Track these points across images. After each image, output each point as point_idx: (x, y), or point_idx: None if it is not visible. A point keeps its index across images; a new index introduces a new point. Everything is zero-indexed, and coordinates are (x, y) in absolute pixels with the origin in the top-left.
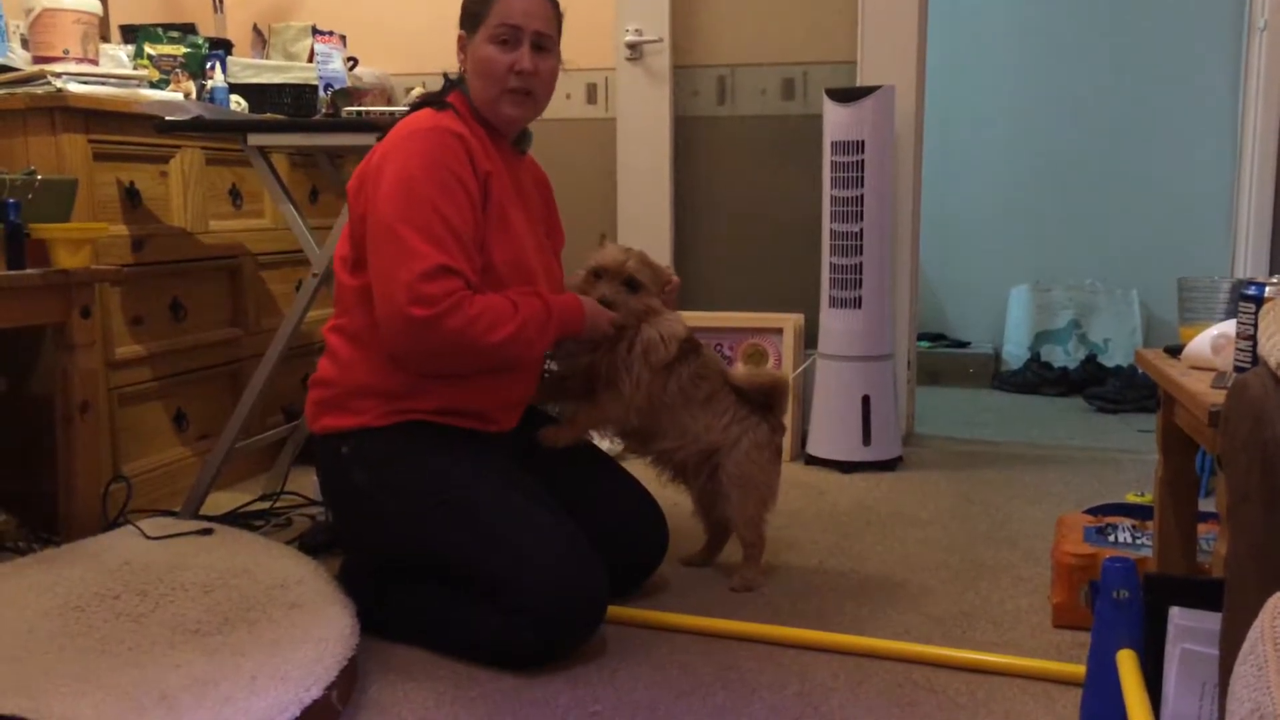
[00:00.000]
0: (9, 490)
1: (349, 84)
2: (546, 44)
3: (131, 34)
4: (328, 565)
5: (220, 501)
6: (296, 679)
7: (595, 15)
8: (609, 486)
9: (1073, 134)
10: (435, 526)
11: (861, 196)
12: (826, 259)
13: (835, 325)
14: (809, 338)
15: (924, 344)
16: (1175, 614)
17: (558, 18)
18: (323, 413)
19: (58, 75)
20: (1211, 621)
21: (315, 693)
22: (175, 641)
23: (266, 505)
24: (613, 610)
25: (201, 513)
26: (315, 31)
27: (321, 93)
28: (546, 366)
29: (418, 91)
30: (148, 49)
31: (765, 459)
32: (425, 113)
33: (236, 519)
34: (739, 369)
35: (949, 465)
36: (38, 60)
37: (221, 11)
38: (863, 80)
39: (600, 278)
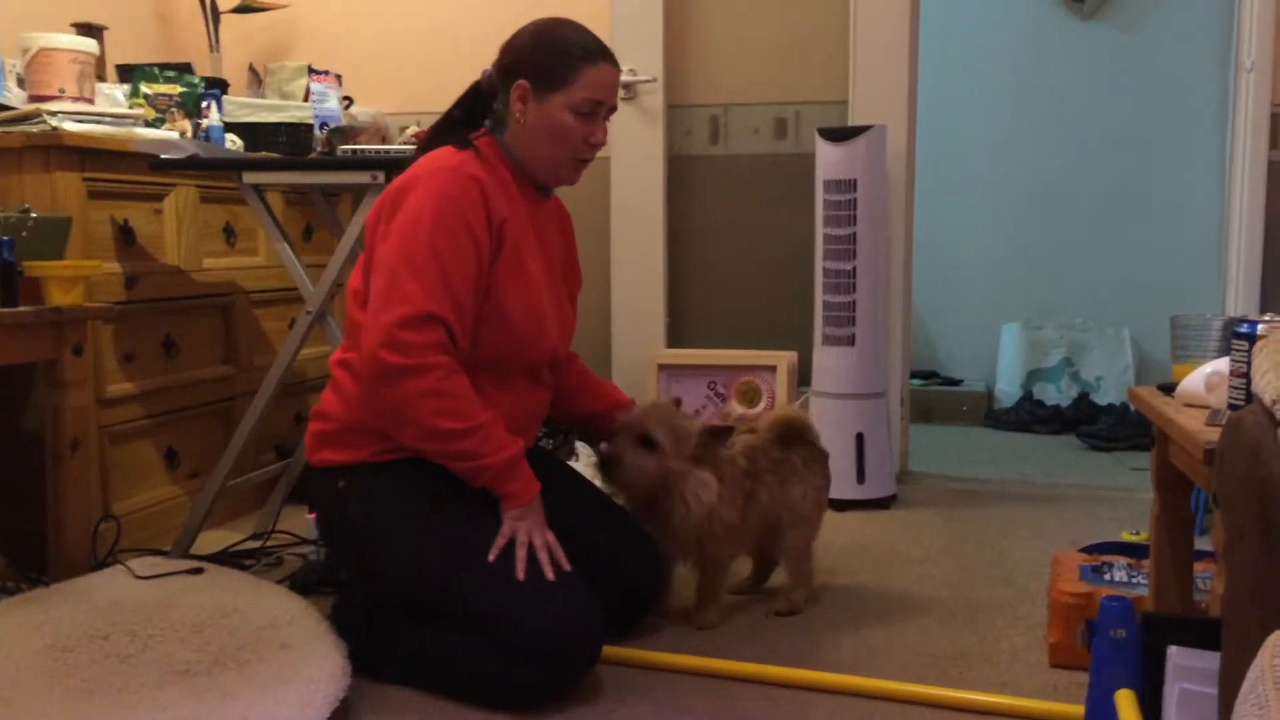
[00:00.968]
0: None
1: (344, 123)
2: (612, 114)
3: (128, 73)
4: (319, 605)
5: (211, 540)
6: None
7: None
8: (606, 526)
9: (1063, 173)
10: (431, 563)
11: (854, 235)
12: (819, 297)
13: (829, 363)
14: (802, 375)
15: (917, 382)
16: (1173, 653)
17: None
18: (322, 445)
19: (53, 114)
20: (1210, 660)
21: None
22: (164, 682)
23: (257, 544)
24: (609, 650)
25: (192, 552)
26: (311, 71)
27: (317, 131)
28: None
29: (412, 130)
30: (144, 88)
31: (815, 497)
32: (446, 151)
33: (227, 558)
34: (756, 413)
35: (943, 503)
36: (34, 99)
37: (217, 51)
38: (854, 119)
39: (617, 435)
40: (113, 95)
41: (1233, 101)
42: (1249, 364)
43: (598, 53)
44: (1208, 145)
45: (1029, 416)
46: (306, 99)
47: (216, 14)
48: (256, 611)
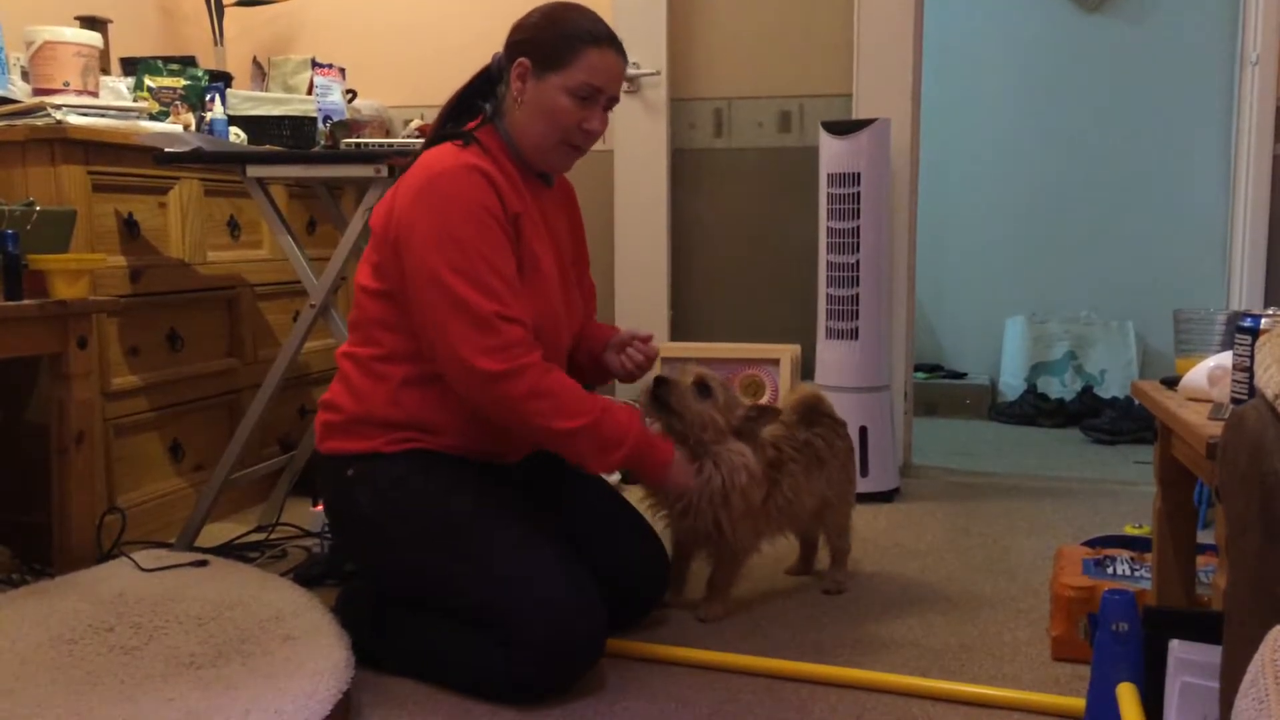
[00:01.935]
0: (3, 521)
1: (348, 116)
2: (613, 105)
3: (132, 66)
4: (323, 597)
5: (215, 533)
6: (291, 712)
7: None
8: (611, 520)
9: (1068, 166)
10: (437, 555)
11: (858, 228)
12: (823, 290)
13: (832, 356)
14: (806, 369)
15: (920, 375)
16: (1175, 647)
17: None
18: (330, 435)
19: (57, 107)
20: (1212, 654)
21: None
22: (169, 674)
23: (262, 537)
24: (612, 643)
25: (196, 544)
26: (315, 64)
27: (320, 125)
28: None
29: (416, 123)
30: (148, 81)
31: (848, 475)
32: (447, 149)
33: (232, 550)
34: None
35: (946, 496)
36: (38, 92)
37: (221, 44)
38: (859, 113)
39: (673, 374)
40: (117, 88)
41: (1238, 95)
42: (1252, 358)
43: (604, 38)
44: (1212, 139)
45: (1033, 410)
46: (310, 92)
47: (220, 7)
48: (261, 604)
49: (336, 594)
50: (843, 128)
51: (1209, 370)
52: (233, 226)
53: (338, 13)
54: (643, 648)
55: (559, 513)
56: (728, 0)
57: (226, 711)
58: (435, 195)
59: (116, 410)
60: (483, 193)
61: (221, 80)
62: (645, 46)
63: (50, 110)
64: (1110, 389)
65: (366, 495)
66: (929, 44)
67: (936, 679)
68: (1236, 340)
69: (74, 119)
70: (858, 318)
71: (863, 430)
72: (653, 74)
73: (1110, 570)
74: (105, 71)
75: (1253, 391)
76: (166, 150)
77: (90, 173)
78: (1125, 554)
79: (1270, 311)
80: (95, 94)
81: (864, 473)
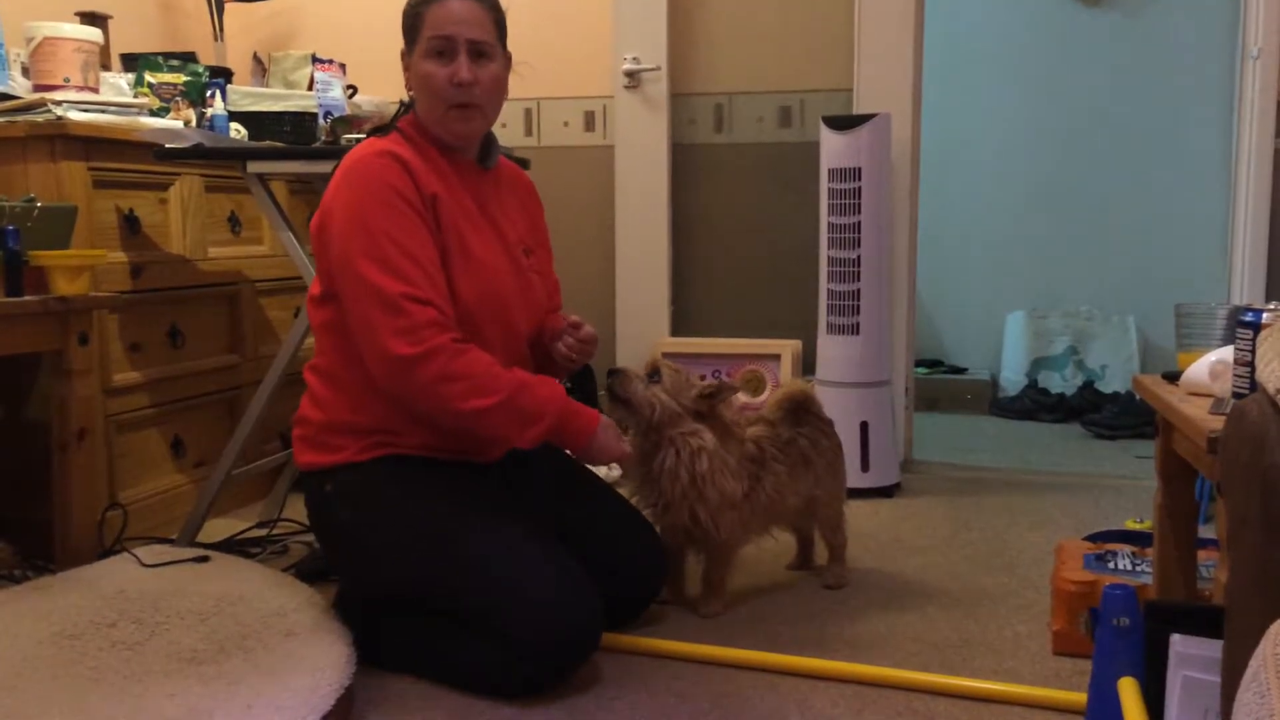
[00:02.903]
0: (4, 517)
1: (348, 112)
2: (485, 49)
3: (132, 62)
4: (324, 593)
5: (217, 529)
6: (292, 708)
7: (593, 44)
8: (607, 515)
9: (1068, 160)
10: (423, 561)
11: (859, 223)
12: (824, 285)
13: (833, 351)
14: (807, 364)
15: (921, 370)
16: (1176, 641)
17: (496, 21)
18: (304, 450)
19: (58, 103)
20: (1213, 649)
21: None
22: (170, 670)
23: (263, 532)
24: (610, 638)
25: (198, 540)
26: (315, 60)
27: (321, 120)
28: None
29: None
30: (148, 77)
31: (835, 473)
32: (368, 141)
33: (233, 546)
34: (760, 401)
35: (947, 491)
36: (38, 88)
37: (222, 40)
38: (859, 108)
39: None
40: (117, 84)
41: (1239, 89)
42: (1253, 352)
43: None
44: (1213, 133)
45: (1033, 405)
46: (311, 88)
47: (221, 3)
48: (262, 600)
49: (335, 591)
50: (843, 123)
51: (1210, 365)
52: (233, 222)
53: (338, 8)
54: (642, 642)
55: (554, 509)
56: None
57: (228, 707)
58: (347, 184)
59: (118, 406)
60: (391, 174)
61: (222, 76)
62: (646, 42)
63: (51, 106)
64: (1111, 384)
65: (346, 509)
66: (930, 39)
67: (937, 673)
68: (1238, 334)
69: (74, 115)
70: (858, 313)
71: (863, 425)
72: (653, 69)
73: (1111, 565)
74: (106, 67)
75: (1254, 386)
76: (167, 146)
77: (91, 169)
78: (1126, 549)
79: (1272, 305)
80: (96, 90)
81: (865, 468)
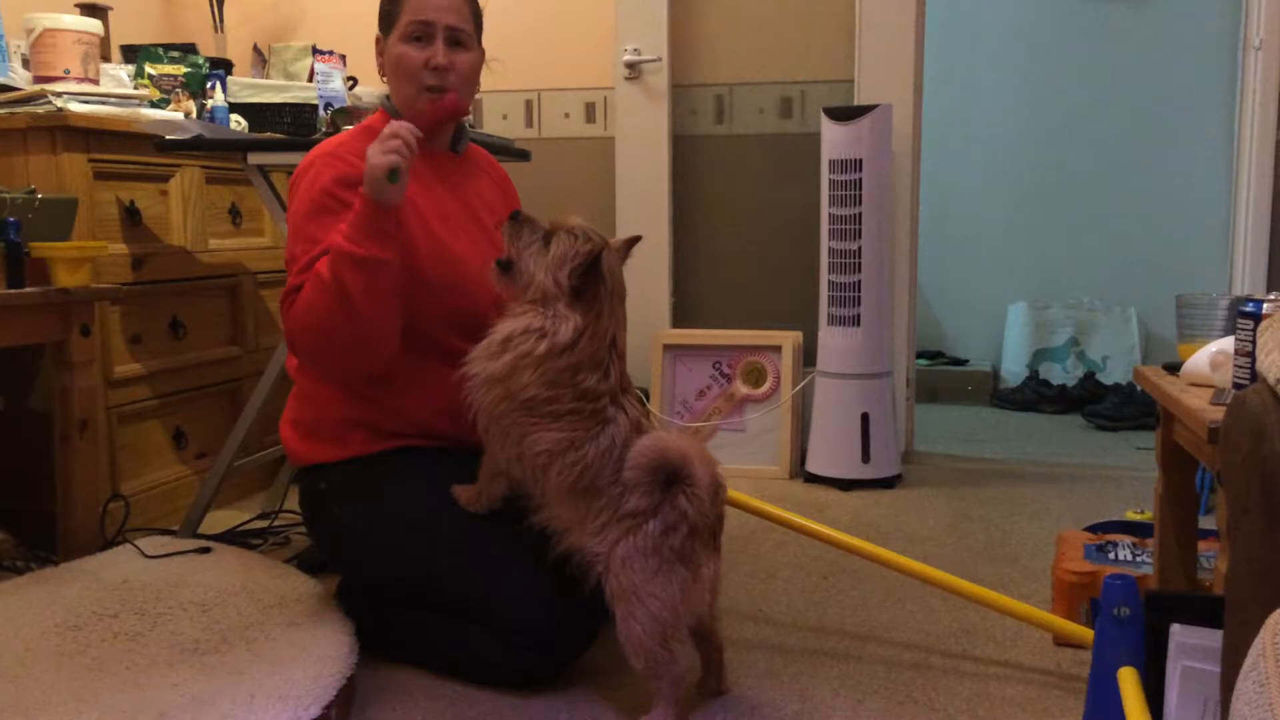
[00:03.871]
0: (7, 508)
1: (349, 103)
2: (462, 38)
3: (132, 54)
4: (326, 584)
5: (219, 520)
6: (295, 698)
7: (594, 35)
8: None
9: (1070, 152)
10: (419, 556)
11: (860, 214)
12: (825, 277)
13: (834, 343)
14: (808, 355)
15: (922, 361)
16: (1176, 631)
17: (474, 12)
18: (296, 448)
19: (58, 95)
20: (1213, 638)
21: (314, 712)
22: (173, 660)
23: (265, 523)
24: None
25: (200, 531)
26: (315, 51)
27: (321, 112)
28: None
29: None
30: (148, 69)
31: (650, 567)
32: (324, 141)
33: (235, 537)
34: (655, 436)
35: (948, 482)
36: (39, 80)
37: (222, 32)
38: (860, 99)
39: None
40: (118, 76)
41: (1241, 79)
42: (1254, 343)
43: None
44: (1215, 123)
45: (1035, 396)
46: (311, 79)
47: None
48: (264, 590)
49: (337, 581)
50: (844, 113)
51: (1211, 355)
52: (234, 214)
53: (338, 0)
54: None
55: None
56: None
57: (231, 697)
58: (294, 192)
59: (119, 398)
60: (325, 177)
61: (222, 67)
62: (646, 32)
63: (51, 98)
64: (1112, 375)
65: (340, 507)
66: (931, 28)
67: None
68: (1239, 325)
69: (75, 106)
70: (859, 304)
71: (864, 417)
72: (654, 60)
73: (1112, 555)
74: (106, 59)
75: (1254, 376)
76: (167, 138)
77: (91, 160)
78: (1127, 539)
79: (1272, 296)
80: (96, 81)
81: (865, 459)
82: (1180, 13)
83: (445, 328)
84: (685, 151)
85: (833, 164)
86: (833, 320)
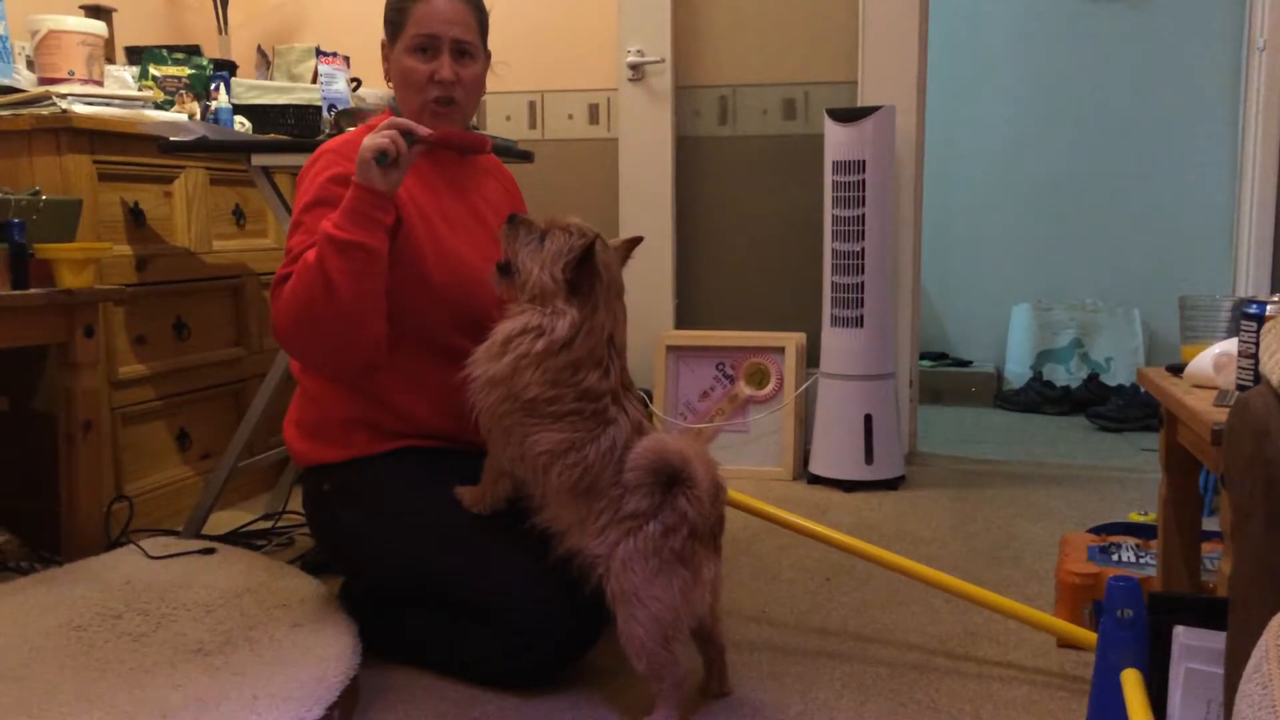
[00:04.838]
0: (11, 509)
1: (352, 104)
2: (468, 50)
3: (136, 55)
4: (329, 585)
5: (222, 521)
6: (298, 699)
7: (597, 36)
8: None
9: (1074, 153)
10: (422, 557)
11: (863, 216)
12: (828, 278)
13: (837, 344)
14: (811, 356)
15: (926, 363)
16: (1180, 633)
17: (480, 22)
18: (300, 448)
19: (63, 96)
20: (1216, 640)
21: (317, 713)
22: (177, 661)
23: (269, 525)
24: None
25: (204, 532)
26: (319, 53)
27: (325, 113)
28: None
29: None
30: (152, 70)
31: (651, 569)
32: (328, 141)
33: (239, 538)
34: (655, 438)
35: (952, 484)
36: (43, 81)
37: (226, 33)
38: (863, 100)
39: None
40: (122, 77)
41: (1244, 81)
42: (1257, 344)
43: None
44: (1219, 125)
45: (1038, 397)
46: (315, 81)
47: None
48: (268, 591)
49: (340, 582)
50: (848, 115)
51: (1214, 357)
52: (238, 215)
53: (342, 1)
54: None
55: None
56: None
57: (234, 698)
58: (298, 188)
59: (123, 399)
60: (327, 172)
61: (226, 69)
62: (650, 34)
63: (55, 99)
64: (1116, 376)
65: (344, 508)
66: (934, 30)
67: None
68: (1242, 326)
69: (79, 108)
70: (863, 305)
71: (868, 418)
72: (657, 61)
73: (1115, 557)
74: (110, 60)
75: (1258, 378)
76: (171, 139)
77: (95, 162)
78: (1130, 541)
79: (1276, 298)
80: (100, 83)
81: (869, 460)
82: (1185, 14)
83: (450, 329)
84: (688, 153)
85: (836, 165)
86: (836, 321)
